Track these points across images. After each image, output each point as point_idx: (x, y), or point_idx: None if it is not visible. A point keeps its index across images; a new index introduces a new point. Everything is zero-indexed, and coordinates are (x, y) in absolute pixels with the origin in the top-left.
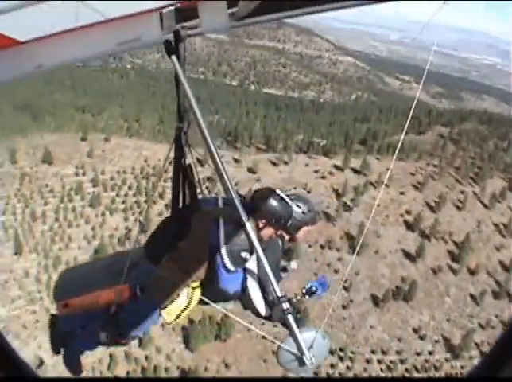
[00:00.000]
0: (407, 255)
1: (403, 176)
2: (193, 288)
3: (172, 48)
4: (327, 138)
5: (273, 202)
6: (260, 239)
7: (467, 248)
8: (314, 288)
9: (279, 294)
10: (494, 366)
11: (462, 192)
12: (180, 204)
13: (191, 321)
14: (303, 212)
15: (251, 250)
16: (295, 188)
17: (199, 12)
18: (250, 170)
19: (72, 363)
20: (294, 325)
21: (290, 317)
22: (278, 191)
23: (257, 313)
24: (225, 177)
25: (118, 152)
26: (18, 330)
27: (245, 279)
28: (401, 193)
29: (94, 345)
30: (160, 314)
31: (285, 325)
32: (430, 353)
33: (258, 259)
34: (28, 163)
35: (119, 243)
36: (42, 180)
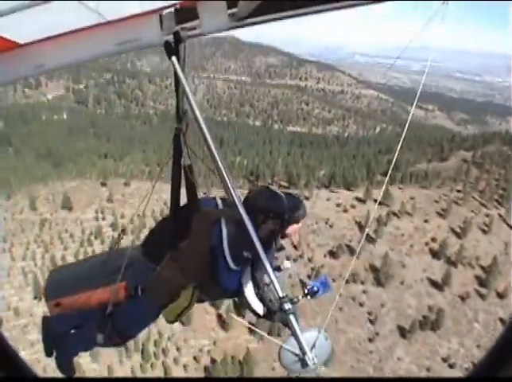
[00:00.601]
0: (433, 283)
1: (426, 204)
2: (193, 287)
3: (172, 49)
4: (349, 172)
5: (269, 198)
6: (260, 238)
7: (495, 272)
8: (316, 288)
9: (280, 294)
10: (494, 366)
11: (487, 215)
12: (180, 205)
13: (213, 360)
14: (297, 208)
15: (252, 249)
16: (316, 223)
17: (199, 13)
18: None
19: (65, 364)
20: (296, 326)
21: (292, 318)
22: (272, 188)
23: (254, 312)
24: (225, 177)
25: (137, 196)
26: (39, 374)
27: (240, 278)
28: (426, 221)
29: (89, 346)
30: (159, 314)
31: (287, 325)
32: None
33: (253, 259)
34: (47, 209)
35: None
36: (62, 225)
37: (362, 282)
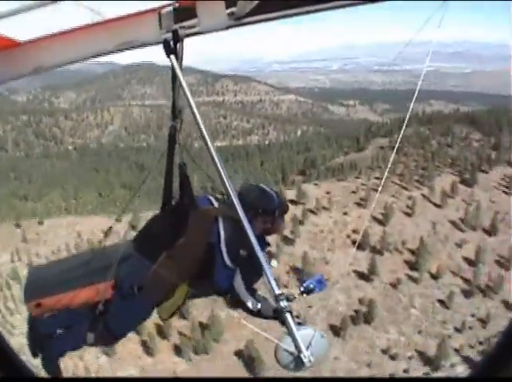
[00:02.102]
0: (360, 275)
1: (344, 196)
2: (188, 285)
3: (170, 47)
4: (264, 176)
5: (260, 195)
6: (256, 235)
7: (424, 253)
8: (311, 286)
9: (277, 292)
10: (494, 366)
11: (409, 197)
12: (173, 202)
13: None
14: (283, 202)
15: (248, 247)
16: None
17: (198, 12)
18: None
19: (51, 365)
20: (292, 324)
21: (288, 315)
22: (262, 185)
23: (245, 309)
24: (223, 174)
25: (51, 232)
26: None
27: (233, 275)
28: (345, 214)
29: (77, 346)
30: (152, 312)
31: (283, 323)
32: (405, 371)
33: (244, 256)
34: None
35: None
36: None
37: (286, 286)
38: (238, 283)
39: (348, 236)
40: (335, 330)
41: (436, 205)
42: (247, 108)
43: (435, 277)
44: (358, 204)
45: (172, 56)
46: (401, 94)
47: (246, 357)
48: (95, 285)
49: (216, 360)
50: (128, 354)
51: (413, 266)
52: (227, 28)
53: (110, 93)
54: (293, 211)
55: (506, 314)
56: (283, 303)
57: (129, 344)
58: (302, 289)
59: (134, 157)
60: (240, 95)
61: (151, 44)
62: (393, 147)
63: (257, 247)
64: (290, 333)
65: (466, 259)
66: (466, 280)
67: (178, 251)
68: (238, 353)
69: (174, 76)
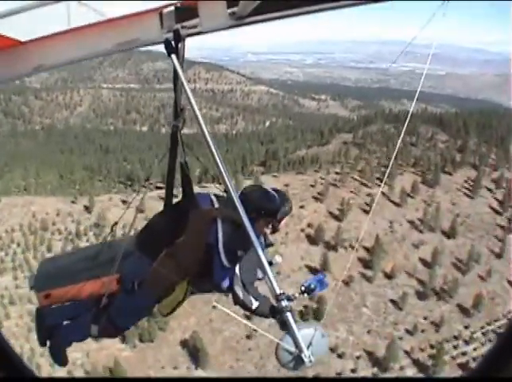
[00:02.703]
0: (312, 270)
1: (302, 189)
2: (188, 282)
3: (172, 47)
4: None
5: (262, 196)
6: (257, 236)
7: (379, 252)
8: (312, 286)
9: (277, 291)
10: (494, 366)
11: (368, 194)
12: (174, 201)
13: (86, 372)
14: (286, 202)
15: (246, 248)
16: None
17: (199, 12)
18: (139, 210)
19: (58, 355)
20: (293, 323)
21: (289, 315)
22: (264, 186)
23: (245, 308)
24: (224, 174)
25: (7, 211)
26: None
27: (233, 275)
28: (301, 207)
29: (83, 337)
30: (153, 307)
31: (283, 322)
32: (353, 371)
33: (243, 255)
34: None
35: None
36: None
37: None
38: (238, 282)
39: (303, 230)
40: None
41: (395, 204)
42: (218, 97)
43: (389, 276)
44: (316, 199)
45: (174, 56)
46: (373, 91)
47: (191, 347)
48: (100, 278)
49: (161, 349)
50: None
51: (367, 264)
52: (229, 28)
53: (81, 74)
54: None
55: (461, 319)
56: (284, 303)
57: None
58: (303, 288)
59: (100, 140)
60: (211, 83)
61: (152, 43)
62: (356, 143)
63: (258, 248)
64: (291, 333)
65: (422, 261)
66: (421, 282)
67: (177, 249)
68: (184, 343)
69: (176, 76)
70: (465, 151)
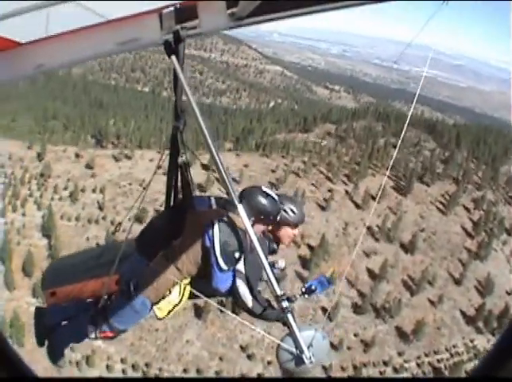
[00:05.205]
0: None
1: (261, 172)
2: (185, 285)
3: (171, 48)
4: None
5: (261, 198)
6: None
7: (322, 253)
8: (313, 287)
9: (278, 293)
10: (494, 366)
11: (330, 190)
12: (173, 203)
13: None
14: (291, 211)
15: (243, 250)
16: (130, 184)
17: (199, 12)
18: (87, 166)
19: (56, 355)
20: (293, 324)
21: (290, 316)
22: (264, 188)
23: (249, 312)
24: (225, 177)
25: None
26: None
27: (234, 278)
28: None
29: (81, 338)
30: (151, 309)
31: (284, 323)
32: (259, 375)
33: (246, 259)
34: None
35: None
36: None
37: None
38: (241, 286)
39: None
40: (198, 312)
41: (356, 205)
42: (230, 70)
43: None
44: (271, 184)
45: (174, 57)
46: (390, 91)
47: None
48: (101, 278)
49: None
50: None
51: (305, 263)
52: (229, 28)
53: None
54: (200, 178)
55: (396, 343)
56: (284, 304)
57: None
58: (304, 289)
59: (97, 93)
60: (227, 55)
61: (152, 45)
62: (338, 135)
63: (259, 249)
64: (292, 334)
65: (369, 272)
66: (361, 294)
67: (174, 251)
68: None
69: (176, 77)
70: (449, 163)
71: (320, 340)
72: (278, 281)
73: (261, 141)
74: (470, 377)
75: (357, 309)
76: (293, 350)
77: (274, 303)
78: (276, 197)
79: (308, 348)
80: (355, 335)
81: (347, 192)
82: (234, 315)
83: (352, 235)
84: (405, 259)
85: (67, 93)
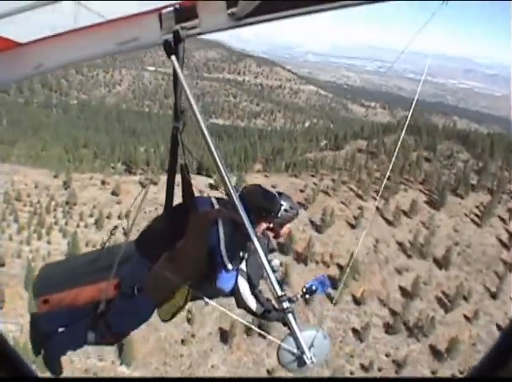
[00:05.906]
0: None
1: (289, 192)
2: (188, 287)
3: (171, 48)
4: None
5: (262, 196)
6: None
7: (352, 272)
8: (314, 287)
9: (279, 293)
10: (494, 366)
11: (360, 207)
12: (175, 204)
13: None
14: (290, 208)
15: (247, 249)
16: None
17: (199, 12)
18: (113, 193)
19: (52, 363)
20: (294, 324)
21: (290, 316)
22: (264, 186)
23: (250, 312)
24: (225, 176)
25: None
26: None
27: (236, 278)
28: None
29: (79, 345)
30: (153, 312)
31: (285, 323)
32: None
33: (248, 259)
34: None
35: None
36: None
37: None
38: (243, 286)
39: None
40: (223, 336)
41: (387, 222)
42: (265, 92)
43: (358, 302)
44: (301, 204)
45: (173, 57)
46: (426, 105)
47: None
48: (98, 283)
49: None
50: (13, 310)
51: (334, 283)
52: (228, 28)
53: (130, 55)
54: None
55: (430, 362)
56: (285, 304)
57: (19, 301)
58: (304, 290)
59: (131, 121)
60: (261, 77)
61: (152, 44)
62: (369, 151)
63: (259, 249)
64: (293, 334)
65: (402, 290)
66: (394, 313)
67: (178, 253)
68: None
69: (175, 77)
70: (483, 174)
71: (321, 340)
72: (279, 281)
73: (290, 161)
74: (470, 377)
75: (389, 329)
76: (295, 350)
77: (275, 303)
78: (276, 194)
79: (310, 348)
80: (387, 355)
81: (377, 208)
82: (263, 332)
83: (383, 252)
84: (439, 275)
85: (100, 122)
